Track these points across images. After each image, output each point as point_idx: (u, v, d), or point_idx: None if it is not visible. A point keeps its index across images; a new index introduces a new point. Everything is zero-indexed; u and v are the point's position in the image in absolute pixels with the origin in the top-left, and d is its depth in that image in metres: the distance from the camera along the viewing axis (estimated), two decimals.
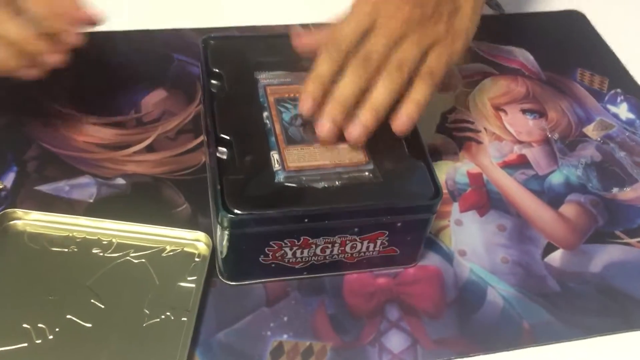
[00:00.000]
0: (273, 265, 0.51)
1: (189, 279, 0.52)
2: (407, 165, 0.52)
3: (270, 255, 0.50)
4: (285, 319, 0.51)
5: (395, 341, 0.51)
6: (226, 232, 0.48)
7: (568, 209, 0.61)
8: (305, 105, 0.50)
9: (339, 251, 0.51)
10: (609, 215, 0.61)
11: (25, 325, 0.48)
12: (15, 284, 0.51)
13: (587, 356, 0.52)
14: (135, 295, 0.51)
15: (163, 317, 0.50)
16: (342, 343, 0.51)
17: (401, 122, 0.51)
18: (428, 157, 0.53)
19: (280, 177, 0.49)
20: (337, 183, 0.50)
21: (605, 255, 0.58)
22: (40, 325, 0.49)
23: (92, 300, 0.50)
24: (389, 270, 0.55)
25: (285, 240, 0.49)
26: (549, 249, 0.58)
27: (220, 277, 0.53)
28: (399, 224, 0.50)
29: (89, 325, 0.49)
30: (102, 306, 0.50)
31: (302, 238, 0.49)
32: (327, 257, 0.52)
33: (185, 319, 0.50)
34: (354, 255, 0.52)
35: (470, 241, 0.58)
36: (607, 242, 0.59)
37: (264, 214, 0.48)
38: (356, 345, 0.50)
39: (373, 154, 0.52)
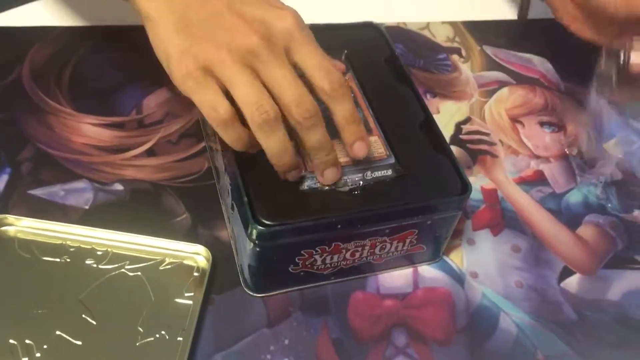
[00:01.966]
0: (302, 273, 0.49)
1: (186, 295, 0.50)
2: (430, 159, 0.50)
3: (300, 264, 0.48)
4: (287, 342, 0.49)
5: None
6: (256, 245, 0.46)
7: (586, 230, 0.59)
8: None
9: (368, 253, 0.50)
10: (628, 238, 0.58)
11: (11, 341, 0.46)
12: (3, 295, 0.48)
13: None
14: (129, 311, 0.49)
15: (158, 336, 0.48)
16: None
17: (356, 149, 0.47)
18: (450, 150, 0.51)
19: (307, 182, 0.47)
20: (361, 183, 0.48)
21: (624, 282, 0.55)
22: (27, 341, 0.46)
23: (83, 316, 0.48)
24: (414, 267, 0.54)
25: (316, 248, 0.47)
26: (566, 273, 0.55)
27: (245, 289, 0.51)
28: (428, 222, 0.49)
29: (79, 342, 0.47)
30: (94, 322, 0.48)
31: (333, 244, 0.47)
32: (355, 261, 0.50)
33: (181, 338, 0.47)
34: (382, 256, 0.51)
35: (482, 262, 0.55)
36: (627, 267, 0.56)
37: (297, 223, 0.45)
38: None
39: (392, 147, 0.50)
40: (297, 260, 0.48)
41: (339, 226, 0.46)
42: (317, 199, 0.47)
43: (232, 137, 0.44)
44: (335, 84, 0.44)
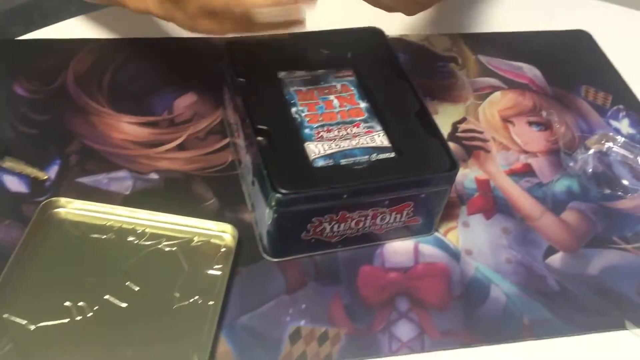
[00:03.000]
0: (312, 240, 0.57)
1: (215, 267, 0.57)
2: (424, 142, 0.58)
3: (311, 231, 0.56)
4: (304, 306, 0.56)
5: (404, 330, 0.55)
6: (273, 212, 0.53)
7: (569, 215, 0.65)
8: None
9: (371, 223, 0.57)
10: (607, 222, 0.65)
11: (66, 303, 0.53)
12: (58, 267, 0.56)
13: (582, 351, 0.56)
14: (166, 280, 0.56)
15: (192, 300, 0.54)
16: (355, 330, 0.55)
17: None
18: (441, 134, 0.59)
19: (318, 163, 0.55)
20: (366, 165, 0.56)
21: (603, 259, 0.62)
22: (80, 303, 0.53)
23: (127, 283, 0.55)
24: (411, 240, 0.61)
25: (325, 216, 0.55)
26: (550, 251, 0.62)
27: (264, 255, 0.58)
28: (422, 195, 0.57)
29: (125, 305, 0.54)
30: (137, 289, 0.55)
31: (340, 213, 0.55)
32: (360, 230, 0.57)
33: (212, 302, 0.54)
34: (383, 226, 0.58)
35: (476, 242, 0.62)
36: (605, 247, 0.63)
37: (309, 191, 0.53)
38: (368, 333, 0.55)
39: (392, 132, 0.58)
40: (308, 227, 0.55)
41: (345, 196, 0.54)
42: (326, 174, 0.55)
43: None
44: None
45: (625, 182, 0.69)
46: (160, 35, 0.77)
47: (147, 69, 0.74)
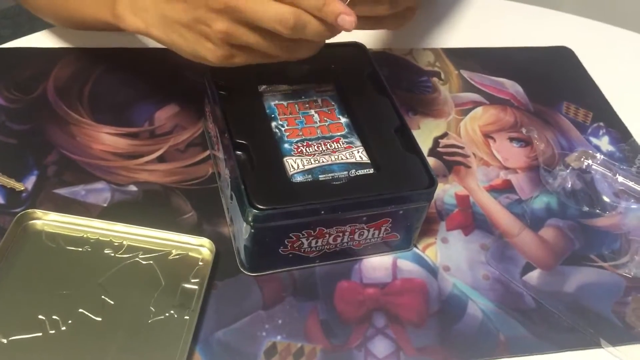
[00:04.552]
0: (290, 255, 0.57)
1: (192, 280, 0.57)
2: (403, 159, 0.58)
3: (288, 246, 0.56)
4: (280, 321, 0.56)
5: (380, 347, 0.55)
6: (250, 227, 0.53)
7: (547, 232, 0.66)
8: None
9: (349, 239, 0.57)
10: (585, 239, 0.66)
11: (40, 317, 0.53)
12: (33, 279, 0.55)
13: None
14: (142, 293, 0.55)
15: (167, 314, 0.54)
16: (331, 346, 0.55)
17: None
18: (420, 150, 0.59)
19: (297, 178, 0.55)
20: (344, 181, 0.56)
21: (580, 277, 0.62)
22: (54, 317, 0.53)
23: (102, 297, 0.55)
24: (390, 255, 0.61)
25: (302, 232, 0.55)
26: (528, 268, 0.62)
27: (242, 269, 0.58)
28: (400, 212, 0.57)
29: (99, 319, 0.53)
30: (112, 302, 0.54)
31: (317, 229, 0.55)
32: (337, 245, 0.58)
33: (187, 317, 0.54)
34: (361, 242, 0.58)
35: (454, 258, 0.62)
36: (582, 264, 0.64)
37: (286, 207, 0.53)
38: (344, 349, 0.55)
39: (372, 148, 0.58)
40: (286, 242, 0.55)
41: (322, 212, 0.54)
42: (304, 189, 0.55)
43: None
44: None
45: (604, 199, 0.69)
46: (143, 46, 0.77)
47: (129, 79, 0.73)
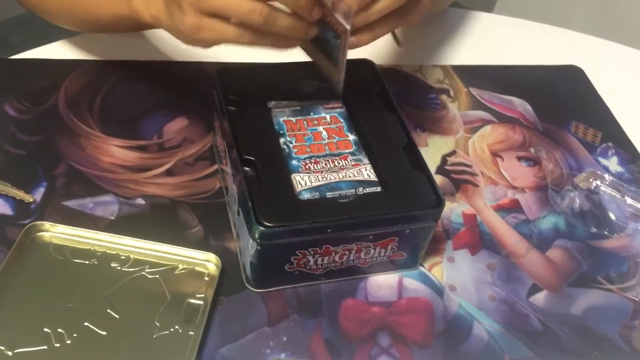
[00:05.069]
0: (296, 272, 0.57)
1: (198, 296, 0.57)
2: (410, 178, 0.58)
3: (295, 263, 0.56)
4: (285, 338, 0.55)
5: None
6: (257, 243, 0.53)
7: (555, 253, 0.65)
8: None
9: (355, 257, 0.57)
10: (592, 261, 0.65)
11: (45, 329, 0.53)
12: (39, 291, 0.55)
13: None
14: (147, 308, 0.55)
15: (172, 330, 0.54)
16: None
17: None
18: (428, 170, 0.59)
19: (304, 196, 0.55)
20: (351, 199, 0.55)
21: (587, 299, 0.62)
22: (59, 330, 0.53)
23: (108, 310, 0.55)
24: (395, 273, 0.61)
25: (309, 249, 0.55)
26: (534, 289, 0.62)
27: (247, 285, 0.58)
28: (407, 231, 0.56)
29: (104, 333, 0.53)
30: (117, 316, 0.54)
31: (324, 246, 0.55)
32: (343, 263, 0.57)
33: (192, 333, 0.54)
34: (367, 260, 0.58)
35: (460, 277, 0.62)
36: (589, 286, 0.63)
37: (293, 225, 0.53)
38: None
39: (379, 166, 0.58)
40: (292, 259, 0.55)
41: (329, 230, 0.54)
42: (311, 207, 0.55)
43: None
44: None
45: (612, 220, 0.69)
46: (154, 58, 0.77)
47: (139, 92, 0.74)
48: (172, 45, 0.79)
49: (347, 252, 0.56)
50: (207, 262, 0.59)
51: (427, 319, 0.58)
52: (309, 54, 0.60)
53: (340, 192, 0.56)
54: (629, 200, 0.71)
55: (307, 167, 0.58)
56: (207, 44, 0.55)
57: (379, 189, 0.57)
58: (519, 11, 1.00)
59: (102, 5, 0.66)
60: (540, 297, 0.62)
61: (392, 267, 0.60)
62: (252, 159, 0.57)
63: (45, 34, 0.82)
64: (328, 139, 0.61)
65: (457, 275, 0.62)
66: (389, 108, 0.64)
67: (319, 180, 0.57)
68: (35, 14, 0.75)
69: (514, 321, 0.59)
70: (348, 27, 0.52)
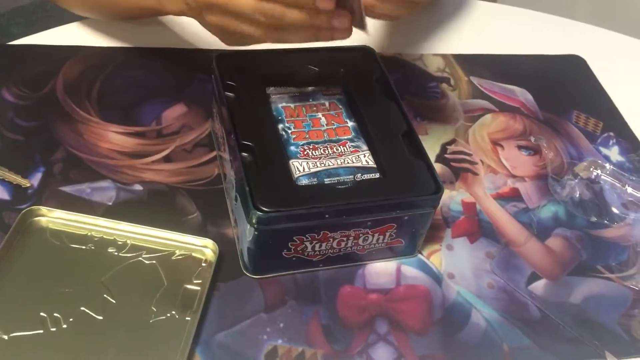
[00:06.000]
0: (294, 258, 0.56)
1: (195, 281, 0.56)
2: (409, 164, 0.58)
3: (292, 249, 0.55)
4: (281, 325, 0.55)
5: (382, 354, 0.55)
6: (254, 229, 0.53)
7: (554, 242, 0.65)
8: None
9: (353, 243, 0.57)
10: (592, 250, 0.65)
11: (42, 314, 0.53)
12: (36, 276, 0.55)
13: None
14: (144, 293, 0.55)
15: (169, 315, 0.54)
16: (333, 351, 0.54)
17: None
18: (427, 156, 0.58)
19: (302, 181, 0.55)
20: (349, 185, 0.55)
21: (586, 288, 0.62)
22: (55, 314, 0.53)
23: (104, 295, 0.55)
24: (394, 261, 0.60)
25: (307, 235, 0.54)
26: (533, 278, 0.62)
27: (245, 272, 0.58)
28: (405, 218, 0.56)
29: (100, 317, 0.53)
30: (114, 301, 0.54)
31: (322, 232, 0.55)
32: (341, 250, 0.57)
33: (189, 318, 0.54)
34: (365, 247, 0.58)
35: (459, 265, 0.62)
36: (589, 275, 0.63)
37: (290, 210, 0.53)
38: (345, 355, 0.54)
39: (378, 153, 0.57)
40: (289, 245, 0.55)
41: (327, 216, 0.53)
42: (309, 192, 0.54)
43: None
44: None
45: (613, 210, 0.69)
46: (153, 45, 0.77)
47: (138, 78, 0.73)
48: (171, 32, 0.78)
49: (345, 239, 0.56)
50: (205, 248, 0.58)
51: (425, 307, 0.58)
52: None
53: (338, 178, 0.56)
54: (629, 190, 0.70)
55: (305, 153, 0.58)
56: (236, 43, 0.58)
57: (377, 175, 0.57)
58: (521, 0, 1.00)
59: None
60: (539, 286, 0.61)
61: (390, 254, 0.60)
62: (250, 144, 0.56)
63: (46, 25, 0.81)
64: (327, 125, 0.61)
65: (455, 263, 0.62)
66: (389, 95, 0.64)
67: (317, 166, 0.56)
68: (57, 5, 0.75)
69: (513, 309, 0.59)
70: None
